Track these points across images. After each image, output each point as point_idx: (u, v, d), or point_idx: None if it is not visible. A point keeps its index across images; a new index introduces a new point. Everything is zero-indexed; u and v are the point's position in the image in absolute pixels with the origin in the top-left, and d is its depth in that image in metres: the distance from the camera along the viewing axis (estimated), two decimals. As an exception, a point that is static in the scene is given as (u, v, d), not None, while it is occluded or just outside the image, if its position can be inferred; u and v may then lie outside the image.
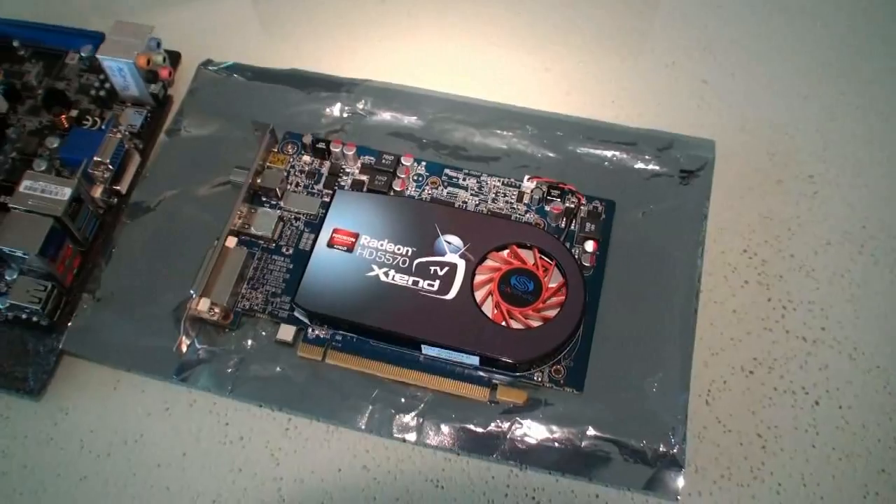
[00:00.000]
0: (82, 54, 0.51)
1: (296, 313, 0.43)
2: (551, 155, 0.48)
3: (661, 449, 0.40)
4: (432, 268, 0.43)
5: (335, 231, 0.44)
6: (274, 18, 0.57)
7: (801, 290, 0.46)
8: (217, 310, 0.43)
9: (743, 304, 0.46)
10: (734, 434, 0.43)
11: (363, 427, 0.41)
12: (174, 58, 0.52)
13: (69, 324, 0.44)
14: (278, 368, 0.42)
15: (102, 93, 0.50)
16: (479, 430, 0.41)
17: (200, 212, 0.47)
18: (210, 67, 0.52)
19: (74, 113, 0.50)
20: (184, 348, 0.43)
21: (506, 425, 0.41)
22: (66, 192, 0.43)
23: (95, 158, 0.45)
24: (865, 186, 0.49)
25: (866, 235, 0.48)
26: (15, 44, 0.52)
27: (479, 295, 0.42)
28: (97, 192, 0.46)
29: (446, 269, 0.43)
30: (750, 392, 0.44)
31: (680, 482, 0.40)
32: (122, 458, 0.42)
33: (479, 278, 0.43)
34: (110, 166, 0.46)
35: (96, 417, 0.43)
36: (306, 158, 0.48)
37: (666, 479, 0.40)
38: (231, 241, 0.44)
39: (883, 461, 0.42)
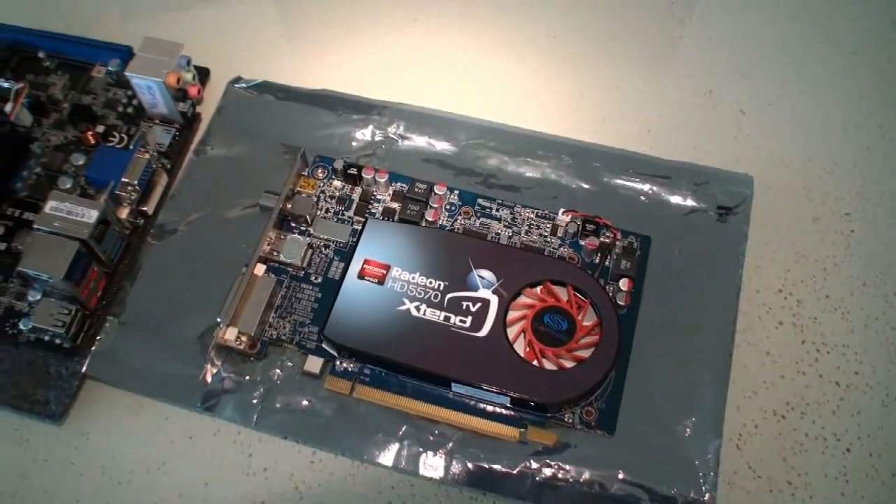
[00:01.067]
0: (110, 68, 0.50)
1: (324, 345, 0.42)
2: (586, 186, 0.48)
3: (691, 495, 0.40)
4: (464, 303, 0.42)
5: (366, 262, 0.43)
6: (305, 36, 0.56)
7: (835, 332, 0.45)
8: (244, 339, 0.42)
9: (777, 345, 0.45)
10: (764, 480, 0.42)
11: (390, 464, 0.41)
12: (203, 74, 0.51)
13: (93, 348, 0.43)
14: (305, 401, 0.42)
15: (130, 109, 0.49)
16: (508, 470, 0.41)
17: (228, 235, 0.46)
18: (239, 85, 0.51)
19: (101, 129, 0.49)
20: (209, 378, 0.42)
21: (535, 466, 0.41)
22: (92, 215, 0.42)
23: (123, 180, 0.45)
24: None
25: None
26: (40, 55, 0.51)
27: (511, 332, 0.42)
28: (124, 213, 0.45)
29: (479, 304, 0.42)
30: (781, 437, 0.43)
31: (710, 531, 0.39)
32: (143, 485, 0.42)
33: (511, 315, 0.42)
34: (138, 188, 0.45)
35: (118, 443, 0.43)
36: (337, 184, 0.47)
37: (696, 527, 0.39)
38: (259, 269, 0.43)
39: (915, 513, 0.41)
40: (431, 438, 0.41)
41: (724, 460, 0.41)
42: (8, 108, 0.47)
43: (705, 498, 0.40)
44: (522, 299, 0.43)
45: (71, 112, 0.49)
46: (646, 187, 0.47)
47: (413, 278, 0.43)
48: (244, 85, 0.51)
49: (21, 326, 0.43)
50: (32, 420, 0.43)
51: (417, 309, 0.42)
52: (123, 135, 0.49)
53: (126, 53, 0.50)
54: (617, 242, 0.45)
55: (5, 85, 0.48)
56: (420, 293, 0.42)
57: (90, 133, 0.48)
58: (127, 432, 0.43)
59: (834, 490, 0.42)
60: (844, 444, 0.43)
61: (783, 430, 0.43)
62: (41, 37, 0.52)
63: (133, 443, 0.43)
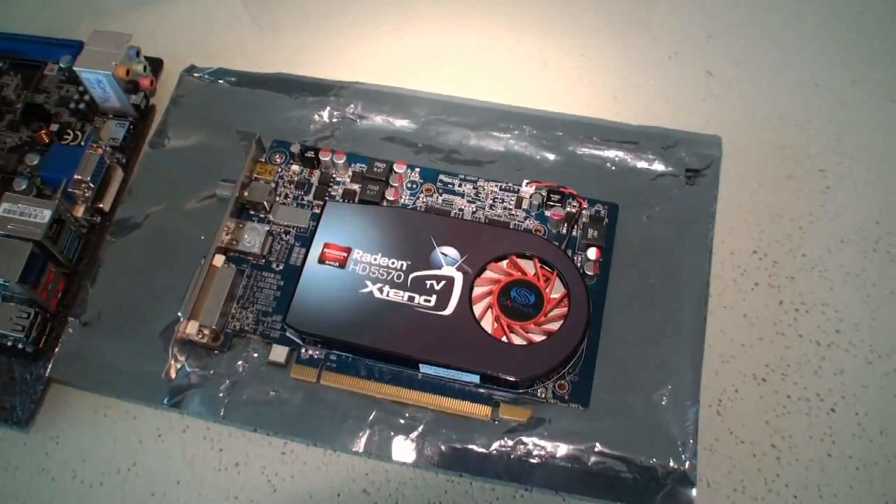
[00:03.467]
0: (61, 65, 0.49)
1: (288, 333, 0.42)
2: (550, 157, 0.46)
3: (671, 465, 0.39)
4: (428, 282, 0.41)
5: (326, 246, 0.42)
6: (259, 20, 0.55)
7: (813, 291, 0.44)
8: (206, 332, 0.41)
9: (754, 307, 0.44)
10: (747, 445, 0.41)
11: (362, 450, 0.40)
12: (156, 65, 0.50)
13: (56, 350, 0.42)
14: (272, 392, 0.41)
15: (83, 105, 0.48)
16: (482, 450, 0.40)
17: (189, 227, 0.45)
18: (194, 74, 0.50)
19: (55, 127, 0.48)
20: (173, 374, 0.41)
21: (509, 444, 0.40)
22: (45, 215, 0.41)
23: (76, 177, 0.44)
24: (879, 179, 0.47)
25: (881, 231, 0.46)
26: (-9, 55, 0.50)
27: (477, 309, 0.41)
28: (79, 211, 0.44)
29: (443, 282, 0.41)
30: (763, 400, 0.42)
31: (692, 498, 0.38)
32: (115, 487, 0.41)
33: (477, 291, 0.41)
34: (91, 184, 0.44)
35: (87, 446, 0.42)
36: (295, 168, 0.46)
37: (678, 496, 0.38)
38: (218, 260, 0.42)
39: (903, 470, 0.40)
40: (402, 422, 0.40)
41: (704, 427, 0.41)
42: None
43: (685, 466, 0.39)
44: (488, 274, 0.42)
45: (23, 112, 0.48)
46: (612, 154, 0.46)
47: (375, 259, 0.42)
48: (199, 74, 0.50)
49: (-18, 333, 0.42)
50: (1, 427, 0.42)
51: (381, 290, 0.41)
52: (77, 132, 0.48)
53: (77, 48, 0.49)
54: (583, 211, 0.44)
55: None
56: (383, 274, 0.41)
57: (43, 132, 0.47)
58: (95, 434, 0.42)
59: (820, 451, 0.41)
60: (828, 405, 0.42)
61: (764, 394, 0.42)
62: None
63: (102, 444, 0.42)
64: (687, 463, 0.39)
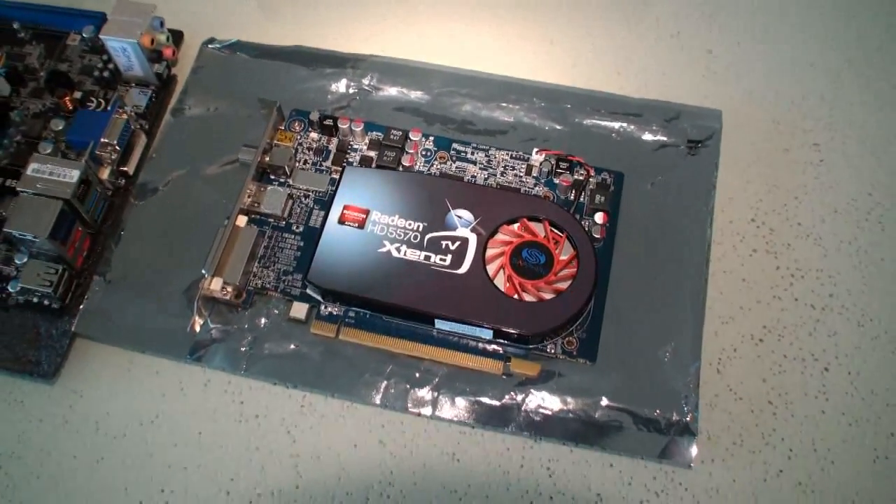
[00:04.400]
0: (84, 35, 0.51)
1: (308, 290, 0.43)
2: (558, 127, 0.48)
3: (674, 417, 0.41)
4: (444, 242, 0.43)
5: (345, 208, 0.44)
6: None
7: (808, 257, 0.46)
8: (229, 289, 0.43)
9: (752, 272, 0.46)
10: (745, 402, 0.43)
11: (378, 402, 0.42)
12: (177, 36, 0.52)
13: (81, 307, 0.44)
14: (292, 346, 0.43)
15: (106, 73, 0.49)
16: (494, 402, 0.41)
17: (209, 191, 0.47)
18: (213, 46, 0.51)
19: (78, 95, 0.49)
20: (197, 328, 0.43)
21: (520, 397, 0.42)
22: (74, 175, 0.43)
23: (102, 140, 0.45)
24: (871, 154, 0.50)
25: (872, 202, 0.48)
26: (15, 26, 0.51)
27: (491, 269, 0.42)
28: (105, 173, 0.46)
29: (458, 243, 0.43)
30: (760, 360, 0.44)
31: (693, 450, 0.40)
32: (138, 438, 0.43)
33: (490, 252, 0.43)
34: (117, 147, 0.46)
35: (111, 399, 0.43)
36: (314, 135, 0.48)
37: (679, 447, 0.40)
38: (241, 220, 0.44)
39: (892, 426, 0.42)
40: (418, 376, 0.42)
41: (704, 384, 0.43)
42: (-7, 80, 0.48)
43: (687, 419, 0.41)
44: (500, 236, 0.43)
45: (48, 79, 0.49)
46: (617, 125, 0.48)
47: (392, 221, 0.43)
48: (218, 45, 0.51)
49: (10, 289, 0.44)
50: (25, 381, 0.44)
51: (398, 250, 0.43)
52: (101, 99, 0.49)
53: (99, 20, 0.51)
54: (591, 179, 0.46)
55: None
56: (400, 235, 0.43)
57: (67, 98, 0.49)
58: (119, 387, 0.44)
59: (814, 408, 0.43)
60: (822, 364, 0.44)
61: (762, 353, 0.44)
62: (15, 8, 0.52)
63: (126, 397, 0.43)
64: (689, 416, 0.41)
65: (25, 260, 0.44)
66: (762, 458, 0.41)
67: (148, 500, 0.41)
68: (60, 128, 0.48)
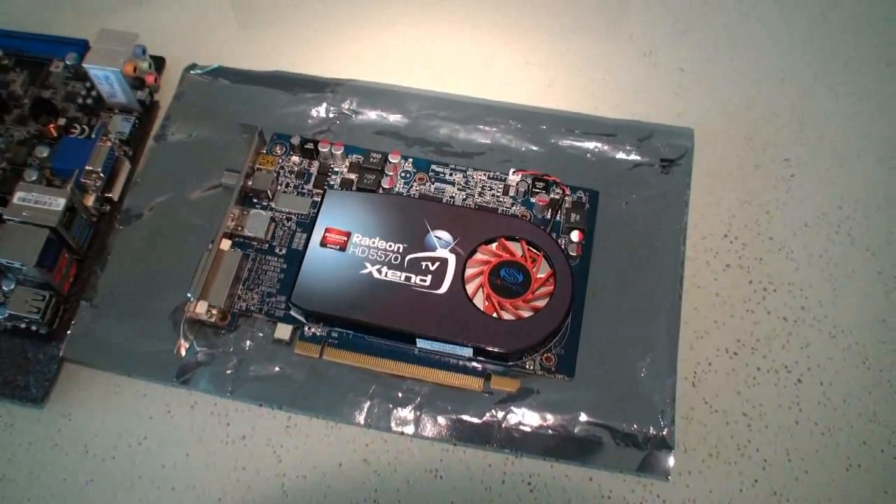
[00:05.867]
0: (67, 62, 0.52)
1: (292, 312, 0.44)
2: (534, 148, 0.49)
3: (651, 431, 0.42)
4: (424, 263, 0.44)
5: (327, 230, 0.45)
6: (256, 20, 0.57)
7: (780, 271, 0.48)
8: (214, 312, 0.43)
9: (725, 287, 0.47)
10: (720, 414, 0.44)
11: (362, 422, 0.43)
12: (158, 63, 0.52)
13: (68, 331, 0.45)
14: (277, 368, 0.43)
15: (90, 101, 0.50)
16: (475, 420, 0.42)
17: (193, 215, 0.48)
18: (195, 72, 0.52)
19: (62, 121, 0.50)
20: (182, 352, 0.44)
21: (500, 414, 0.42)
22: (59, 203, 0.44)
23: (87, 167, 0.46)
24: (840, 167, 0.51)
25: (842, 216, 0.49)
26: (-1, 53, 0.52)
27: (470, 288, 0.43)
28: (90, 200, 0.47)
29: (437, 264, 0.44)
30: (735, 373, 0.45)
31: (670, 462, 0.41)
32: (126, 460, 0.43)
33: (469, 272, 0.44)
34: (102, 174, 0.46)
35: (99, 422, 0.44)
36: (295, 159, 0.49)
37: (657, 460, 0.41)
38: (225, 244, 0.45)
39: (864, 434, 0.43)
40: (400, 395, 0.43)
41: (680, 397, 0.44)
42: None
43: (664, 433, 0.42)
44: (479, 256, 0.44)
45: (32, 106, 0.50)
46: (591, 145, 0.49)
47: (373, 243, 0.44)
48: (199, 71, 0.52)
49: (-3, 316, 0.44)
50: (15, 405, 0.44)
51: (379, 271, 0.44)
52: (84, 126, 0.50)
53: (82, 47, 0.52)
54: (566, 198, 0.47)
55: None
56: (381, 256, 0.44)
57: (52, 126, 0.49)
58: (107, 411, 0.44)
59: (788, 418, 0.44)
60: (795, 376, 0.45)
61: (736, 366, 0.45)
62: (-3, 36, 0.53)
63: (114, 420, 0.44)
64: (665, 430, 0.42)
65: (13, 287, 0.45)
66: (738, 469, 0.43)
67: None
68: (45, 155, 0.48)
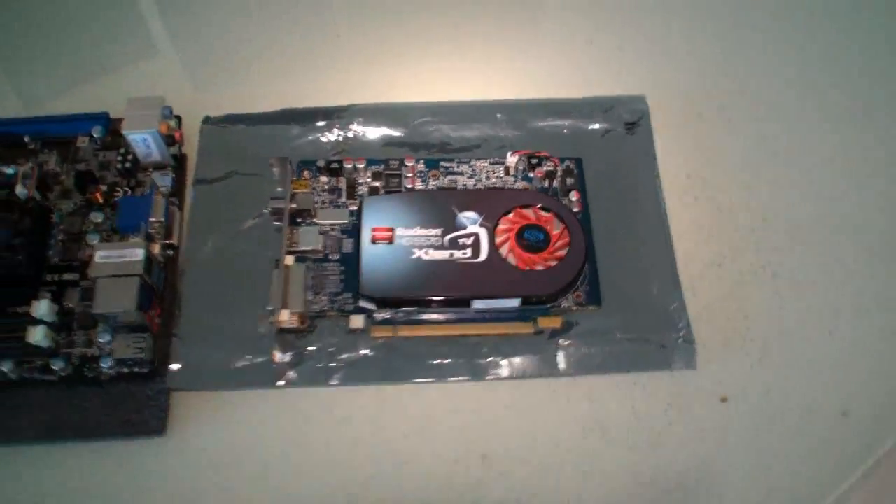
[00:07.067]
0: (94, 135, 0.57)
1: (361, 303, 0.51)
2: (519, 133, 0.58)
3: (673, 335, 0.51)
4: (461, 240, 0.52)
5: (374, 230, 0.52)
6: (246, 64, 0.64)
7: (738, 192, 0.58)
8: (295, 317, 0.50)
9: (697, 215, 0.57)
10: (721, 312, 0.54)
11: (445, 378, 0.50)
12: (177, 120, 0.59)
13: (170, 365, 0.50)
14: (360, 352, 0.51)
15: (127, 164, 0.56)
16: (534, 356, 0.51)
17: (244, 243, 0.54)
18: (210, 123, 0.59)
19: (104, 188, 0.55)
20: (276, 357, 0.50)
21: (553, 347, 0.51)
22: (139, 253, 0.49)
23: (151, 219, 0.52)
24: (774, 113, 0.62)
25: (780, 145, 0.61)
26: (26, 139, 0.57)
27: (503, 251, 0.52)
28: (156, 248, 0.52)
29: (472, 238, 0.52)
30: (723, 279, 0.55)
31: (694, 356, 0.51)
32: (256, 462, 0.49)
33: (498, 239, 0.52)
34: (163, 223, 0.53)
35: (217, 437, 0.50)
36: (323, 179, 0.56)
37: (684, 356, 0.51)
38: (289, 259, 0.52)
39: (838, 299, 0.55)
40: (470, 349, 0.51)
41: (688, 305, 0.53)
42: (20, 189, 0.53)
43: (683, 334, 0.51)
44: (502, 226, 0.53)
45: (76, 180, 0.55)
46: (566, 122, 0.59)
47: (415, 232, 0.52)
48: (214, 122, 0.59)
49: (102, 366, 0.49)
50: (139, 441, 0.49)
51: (426, 254, 0.51)
52: (126, 188, 0.55)
53: (105, 119, 0.57)
54: (558, 168, 0.57)
55: (9, 171, 0.54)
56: (424, 241, 0.52)
57: (98, 193, 0.55)
58: (223, 424, 0.50)
59: (773, 304, 0.54)
60: (769, 272, 0.55)
61: (722, 274, 0.55)
62: (22, 123, 0.57)
63: (232, 431, 0.50)
64: (684, 331, 0.51)
65: (109, 338, 0.50)
66: (745, 352, 0.53)
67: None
68: (100, 220, 0.54)
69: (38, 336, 0.49)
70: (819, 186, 0.59)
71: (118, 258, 0.49)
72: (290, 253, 0.52)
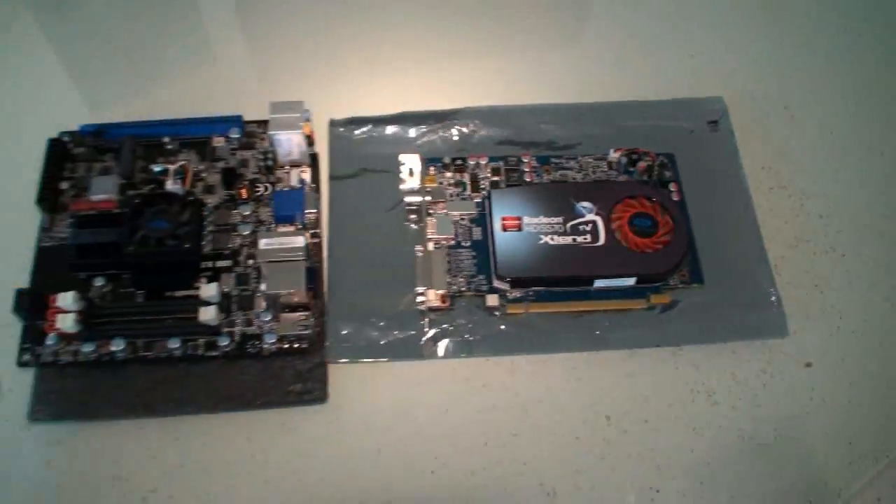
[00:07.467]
0: (231, 136, 0.62)
1: (495, 284, 0.58)
2: (615, 132, 0.65)
3: (767, 306, 0.59)
4: (581, 226, 0.59)
5: (503, 219, 0.59)
6: (374, 70, 0.70)
7: (810, 184, 0.66)
8: (440, 297, 0.56)
9: (773, 202, 0.65)
10: (802, 287, 0.61)
11: (571, 349, 0.57)
12: (308, 122, 0.64)
13: (326, 342, 0.56)
14: (497, 327, 0.57)
15: (269, 162, 0.61)
16: (647, 328, 0.58)
17: (381, 232, 0.60)
18: (337, 125, 0.64)
19: (245, 183, 0.61)
20: (425, 331, 0.56)
21: (663, 321, 0.58)
22: (300, 241, 0.55)
23: (306, 211, 0.58)
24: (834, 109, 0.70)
25: (838, 147, 0.69)
26: (165, 139, 0.62)
27: (618, 236, 0.59)
28: (308, 236, 0.58)
29: (591, 224, 0.59)
30: (800, 259, 0.63)
31: (785, 326, 0.58)
32: (409, 425, 0.55)
33: (613, 225, 0.59)
34: (316, 213, 0.58)
35: (372, 402, 0.55)
36: (448, 174, 0.62)
37: (776, 324, 0.58)
38: (430, 245, 0.58)
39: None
40: (593, 322, 0.58)
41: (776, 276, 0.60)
42: (174, 185, 0.59)
43: (775, 305, 0.59)
44: (615, 213, 0.60)
45: (224, 177, 0.60)
46: (655, 122, 0.66)
47: (540, 220, 0.59)
48: (340, 124, 0.64)
49: (267, 342, 0.55)
50: (302, 409, 0.55)
51: (552, 239, 0.58)
52: (267, 184, 0.61)
53: (238, 122, 0.63)
54: (655, 162, 0.64)
55: (157, 169, 0.59)
56: (549, 228, 0.58)
57: (244, 189, 0.60)
58: (375, 392, 0.56)
59: (845, 280, 0.62)
60: (839, 252, 0.63)
61: (799, 255, 0.62)
62: (162, 125, 0.62)
63: (383, 398, 0.56)
64: (776, 302, 0.59)
65: (269, 317, 0.55)
66: (826, 319, 0.60)
67: (420, 477, 0.54)
68: (248, 212, 0.59)
69: (210, 315, 0.54)
70: (879, 176, 0.67)
71: (279, 245, 0.55)
72: (428, 240, 0.59)
